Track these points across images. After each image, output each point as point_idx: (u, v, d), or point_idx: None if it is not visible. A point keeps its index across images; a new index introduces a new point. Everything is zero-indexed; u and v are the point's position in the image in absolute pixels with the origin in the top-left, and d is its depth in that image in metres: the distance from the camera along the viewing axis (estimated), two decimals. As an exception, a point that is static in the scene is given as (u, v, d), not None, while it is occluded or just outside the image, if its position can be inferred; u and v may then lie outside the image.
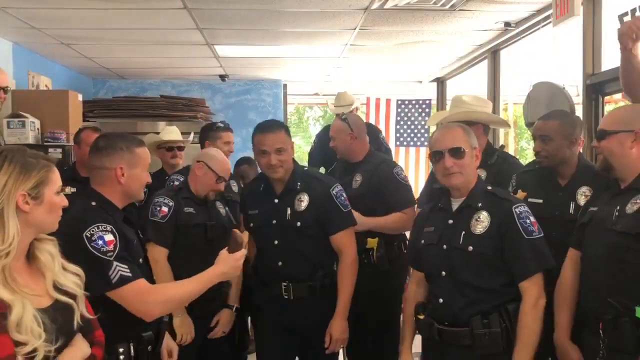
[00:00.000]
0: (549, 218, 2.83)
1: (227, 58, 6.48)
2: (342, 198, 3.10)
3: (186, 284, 2.35)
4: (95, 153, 2.45)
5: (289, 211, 3.02)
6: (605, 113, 4.01)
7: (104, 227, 2.26)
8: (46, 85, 6.14)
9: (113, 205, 2.41)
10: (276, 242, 3.06)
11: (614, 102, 6.26)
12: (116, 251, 2.23)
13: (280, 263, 3.04)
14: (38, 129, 5.15)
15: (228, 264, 2.37)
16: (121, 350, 2.26)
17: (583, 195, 2.86)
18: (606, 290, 2.32)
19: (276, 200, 3.08)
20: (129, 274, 2.22)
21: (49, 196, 1.79)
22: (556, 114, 3.14)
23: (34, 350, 1.65)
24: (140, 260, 2.40)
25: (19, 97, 5.31)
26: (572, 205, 2.87)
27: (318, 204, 3.03)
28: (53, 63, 6.52)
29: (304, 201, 3.03)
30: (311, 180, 3.11)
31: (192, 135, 5.04)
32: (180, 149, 4.48)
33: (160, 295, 2.29)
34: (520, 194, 2.89)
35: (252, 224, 3.21)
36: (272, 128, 3.03)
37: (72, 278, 1.87)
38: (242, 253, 2.41)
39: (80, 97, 5.76)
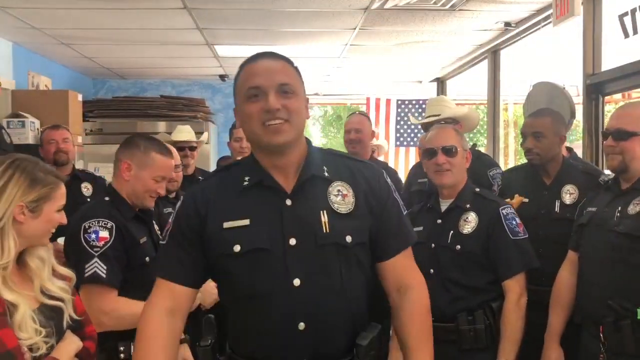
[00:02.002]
0: (535, 217, 2.85)
1: (227, 58, 6.47)
2: (397, 194, 1.84)
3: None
4: (119, 147, 2.51)
5: (324, 217, 1.65)
6: (606, 113, 4.02)
7: (104, 223, 2.28)
8: (46, 85, 6.14)
9: (126, 202, 2.42)
10: (297, 281, 1.62)
11: (614, 102, 6.27)
12: (104, 249, 2.23)
13: (302, 325, 1.63)
14: (38, 129, 5.14)
15: (202, 290, 2.30)
16: (122, 348, 2.27)
17: (568, 193, 2.89)
18: (606, 292, 2.31)
19: (289, 202, 1.67)
20: (103, 276, 2.20)
21: (47, 212, 1.82)
22: (546, 111, 3.16)
23: (33, 347, 1.69)
24: (147, 259, 2.39)
25: (19, 97, 5.32)
26: (557, 204, 2.89)
27: (370, 198, 1.72)
28: (53, 63, 6.51)
29: (347, 195, 1.70)
30: (342, 160, 1.78)
31: (205, 135, 5.06)
32: (192, 149, 4.42)
33: (115, 309, 2.20)
34: (517, 199, 2.89)
35: (237, 247, 1.64)
36: (268, 55, 1.71)
37: (59, 283, 1.88)
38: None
39: (80, 97, 5.77)
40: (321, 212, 1.66)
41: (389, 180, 1.80)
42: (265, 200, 1.67)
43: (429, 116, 3.68)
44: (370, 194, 1.72)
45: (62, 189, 1.87)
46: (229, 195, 1.70)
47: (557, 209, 2.88)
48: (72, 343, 1.84)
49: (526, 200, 2.92)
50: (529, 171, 3.05)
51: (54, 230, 1.88)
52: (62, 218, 1.88)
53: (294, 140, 1.65)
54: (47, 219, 1.82)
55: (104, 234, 2.25)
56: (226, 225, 1.65)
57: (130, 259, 2.33)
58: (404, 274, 1.78)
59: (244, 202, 1.67)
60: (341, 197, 1.69)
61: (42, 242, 1.86)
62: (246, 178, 1.69)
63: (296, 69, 1.71)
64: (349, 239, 1.66)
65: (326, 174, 1.70)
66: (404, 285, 1.77)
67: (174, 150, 3.51)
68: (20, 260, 1.84)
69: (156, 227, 2.63)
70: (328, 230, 1.65)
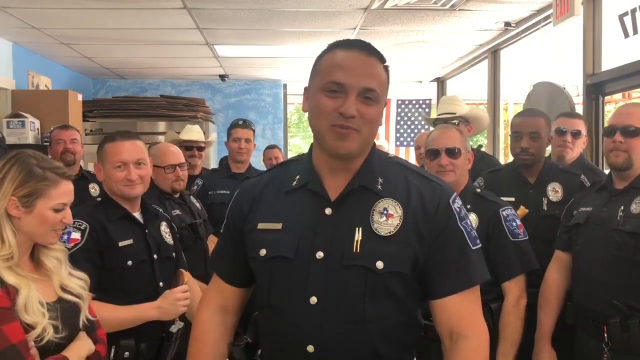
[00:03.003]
0: (524, 216, 2.84)
1: (227, 58, 6.48)
2: (468, 221, 1.59)
3: (118, 311, 2.27)
4: None
5: (358, 235, 1.49)
6: (606, 113, 4.02)
7: (79, 224, 2.26)
8: (46, 85, 6.15)
9: (113, 203, 2.41)
10: (313, 299, 1.48)
11: (614, 102, 6.27)
12: (72, 250, 2.19)
13: (311, 348, 1.49)
14: (38, 129, 5.15)
15: (165, 299, 2.35)
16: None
17: (553, 191, 2.91)
18: (610, 292, 2.31)
19: (328, 211, 1.52)
20: None
21: (40, 209, 1.77)
22: (538, 111, 3.15)
23: (42, 335, 1.68)
24: (130, 262, 2.33)
25: (19, 97, 5.33)
26: (544, 202, 2.90)
27: (422, 223, 1.50)
28: (53, 63, 6.52)
29: (393, 216, 1.50)
30: (404, 174, 1.57)
31: (213, 135, 5.06)
32: (200, 149, 4.38)
33: None
34: (522, 211, 2.87)
35: (262, 252, 1.54)
36: (362, 47, 1.52)
37: (78, 281, 1.89)
38: (182, 288, 2.38)
39: (80, 97, 5.78)
40: (357, 228, 1.48)
41: (456, 205, 1.54)
42: (306, 206, 1.52)
43: (444, 113, 3.67)
44: (422, 218, 1.49)
45: (63, 188, 1.81)
46: (274, 194, 1.58)
47: (544, 206, 2.89)
48: (85, 345, 1.83)
49: (509, 199, 2.92)
50: (511, 171, 3.05)
51: (59, 229, 1.83)
52: (65, 217, 1.82)
53: (360, 151, 1.49)
54: (39, 215, 1.77)
55: (76, 235, 2.23)
56: (260, 226, 1.55)
57: (106, 261, 2.29)
58: (460, 319, 1.51)
59: (285, 204, 1.55)
60: (385, 217, 1.48)
61: (47, 241, 1.82)
62: (297, 177, 1.56)
63: (386, 68, 1.52)
64: (379, 264, 1.45)
65: (379, 186, 1.51)
66: (457, 333, 1.50)
67: (176, 148, 3.50)
68: (36, 260, 1.83)
69: (164, 227, 2.59)
70: (358, 251, 1.46)
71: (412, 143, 8.52)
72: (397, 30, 5.20)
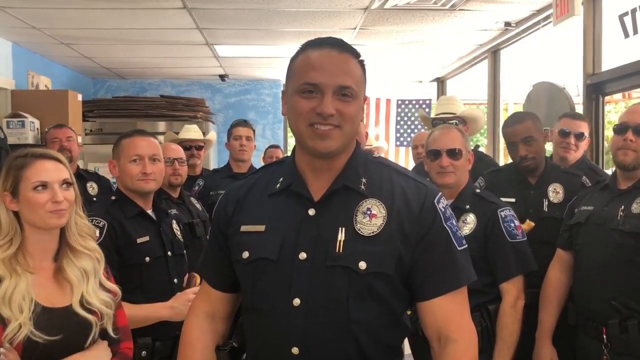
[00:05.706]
0: (524, 217, 2.84)
1: (227, 58, 6.48)
2: (454, 222, 1.55)
3: (131, 309, 2.26)
4: None
5: (341, 235, 1.47)
6: (606, 113, 4.02)
7: (97, 221, 2.30)
8: (46, 85, 6.15)
9: (129, 200, 2.45)
10: (297, 300, 1.46)
11: (614, 102, 6.27)
12: None
13: (295, 350, 1.46)
14: (38, 129, 5.15)
15: (177, 300, 2.37)
16: None
17: (554, 192, 2.90)
18: (609, 292, 2.30)
19: (312, 212, 1.50)
20: None
21: (23, 193, 1.79)
22: (524, 115, 3.10)
23: (18, 332, 1.65)
24: (147, 259, 2.38)
25: (18, 97, 5.33)
26: (545, 203, 2.89)
27: (406, 224, 1.48)
28: (53, 63, 6.51)
29: (376, 216, 1.48)
30: (388, 173, 1.55)
31: (212, 134, 5.05)
32: (199, 148, 4.36)
33: None
34: (529, 225, 2.83)
35: (245, 254, 1.53)
36: (334, 45, 1.49)
37: (103, 296, 1.86)
38: (194, 290, 2.38)
39: (79, 97, 5.78)
40: (340, 229, 1.46)
41: (441, 205, 1.51)
42: (289, 207, 1.51)
43: (444, 113, 3.67)
44: (406, 218, 1.46)
45: (37, 167, 1.80)
46: (258, 196, 1.56)
47: (545, 208, 2.87)
48: (93, 357, 1.79)
49: (510, 199, 2.91)
50: (512, 171, 3.02)
51: (55, 210, 1.77)
52: (53, 197, 1.78)
53: (342, 148, 1.47)
54: (25, 200, 1.78)
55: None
56: (243, 228, 1.53)
57: (124, 258, 2.33)
58: (447, 321, 1.48)
59: (269, 206, 1.53)
60: (369, 217, 1.46)
61: (47, 224, 1.79)
62: (280, 179, 1.55)
63: (361, 63, 1.51)
64: (362, 265, 1.43)
65: (362, 186, 1.49)
66: (445, 336, 1.48)
67: (177, 146, 3.51)
68: (59, 267, 1.82)
69: (175, 225, 2.62)
70: (340, 251, 1.44)
71: (412, 143, 8.52)
72: (397, 30, 5.20)
